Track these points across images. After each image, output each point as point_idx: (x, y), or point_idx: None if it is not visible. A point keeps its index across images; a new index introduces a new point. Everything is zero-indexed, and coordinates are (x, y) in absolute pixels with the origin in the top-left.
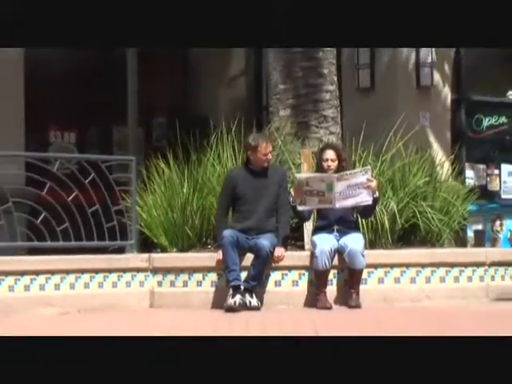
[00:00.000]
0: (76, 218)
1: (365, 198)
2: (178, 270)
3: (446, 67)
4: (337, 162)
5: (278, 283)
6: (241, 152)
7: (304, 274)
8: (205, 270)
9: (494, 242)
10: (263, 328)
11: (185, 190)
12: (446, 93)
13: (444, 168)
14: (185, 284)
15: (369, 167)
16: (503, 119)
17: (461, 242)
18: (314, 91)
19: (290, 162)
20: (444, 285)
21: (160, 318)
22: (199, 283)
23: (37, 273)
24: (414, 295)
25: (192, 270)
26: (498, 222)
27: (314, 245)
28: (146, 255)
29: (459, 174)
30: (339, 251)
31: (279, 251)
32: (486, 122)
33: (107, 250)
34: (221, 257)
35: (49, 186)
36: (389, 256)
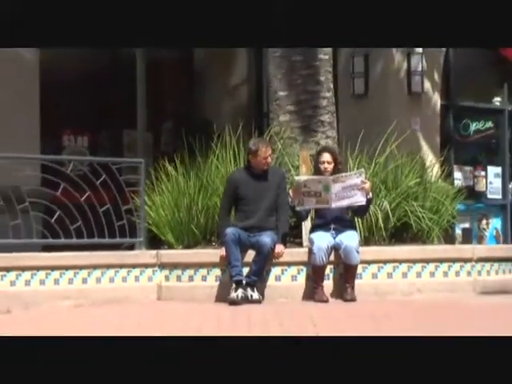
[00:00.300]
0: (88, 216)
1: (359, 199)
2: (184, 266)
3: (436, 75)
4: (333, 165)
5: (277, 278)
6: (242, 154)
7: (302, 270)
8: (209, 265)
9: (480, 240)
10: (264, 320)
11: (190, 191)
12: (436, 99)
13: (434, 170)
14: (190, 279)
15: (363, 170)
16: (489, 124)
17: (449, 239)
18: (312, 98)
19: (290, 164)
20: (434, 279)
21: (167, 310)
22: (204, 278)
23: (52, 268)
24: (405, 289)
25: (197, 266)
26: (484, 221)
27: (311, 242)
28: (154, 252)
29: (448, 175)
30: (335, 248)
31: (279, 248)
32: (473, 126)
33: (118, 247)
34: (224, 253)
35: (63, 187)
36: (382, 252)
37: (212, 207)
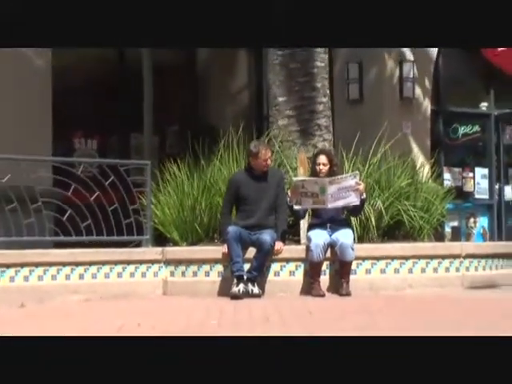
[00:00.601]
0: (97, 215)
1: (353, 200)
2: (188, 262)
3: (427, 82)
4: (328, 166)
5: (277, 273)
6: (243, 156)
7: (300, 266)
8: (212, 261)
9: (468, 237)
10: (264, 313)
11: (194, 191)
12: (426, 104)
13: (424, 171)
14: (194, 274)
15: (357, 172)
16: (476, 128)
17: (439, 236)
18: (309, 103)
19: (288, 165)
20: (424, 275)
21: (173, 304)
22: (207, 273)
23: (63, 264)
24: (397, 284)
25: (201, 262)
26: (471, 219)
27: (309, 239)
28: (159, 249)
29: (438, 176)
30: (331, 245)
31: (279, 245)
32: (462, 130)
33: (125, 245)
34: (226, 250)
35: (74, 188)
36: (375, 249)
37: (215, 207)
